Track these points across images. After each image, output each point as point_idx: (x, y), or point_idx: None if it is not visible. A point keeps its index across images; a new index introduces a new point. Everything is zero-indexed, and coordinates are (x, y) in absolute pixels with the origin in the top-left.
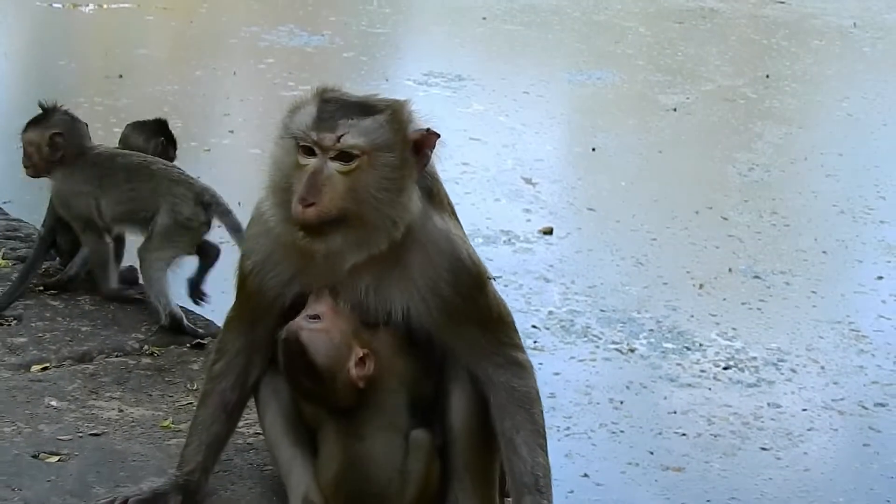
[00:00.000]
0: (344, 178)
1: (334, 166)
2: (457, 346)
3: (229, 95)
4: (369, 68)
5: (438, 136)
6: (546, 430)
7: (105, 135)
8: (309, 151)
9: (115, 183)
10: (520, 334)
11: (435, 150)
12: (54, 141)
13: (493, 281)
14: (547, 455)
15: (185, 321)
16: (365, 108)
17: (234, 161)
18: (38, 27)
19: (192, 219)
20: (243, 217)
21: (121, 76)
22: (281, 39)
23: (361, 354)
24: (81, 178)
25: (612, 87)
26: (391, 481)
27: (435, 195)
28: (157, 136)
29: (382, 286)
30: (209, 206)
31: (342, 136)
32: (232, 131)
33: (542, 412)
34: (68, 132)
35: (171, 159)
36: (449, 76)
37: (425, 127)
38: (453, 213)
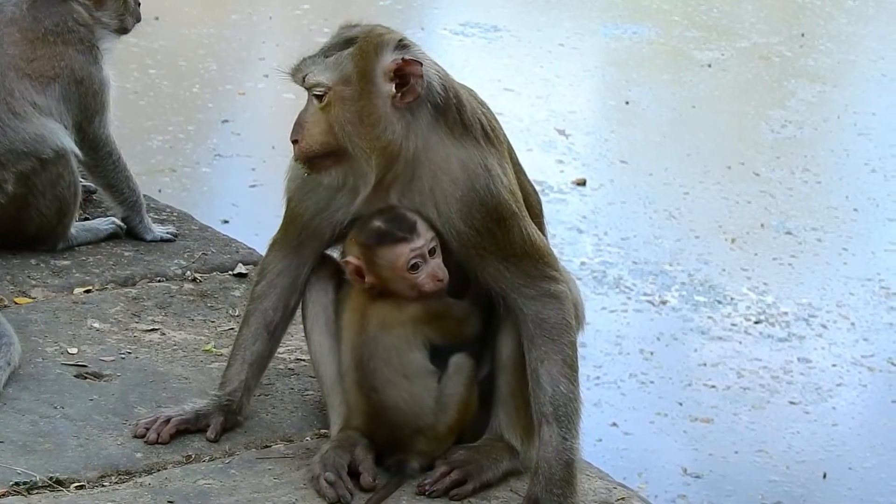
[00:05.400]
0: (322, 115)
1: (315, 104)
2: (485, 277)
3: (265, 40)
4: (405, 17)
5: (420, 63)
6: (576, 361)
7: (140, 76)
8: None
9: None
10: (556, 262)
11: (425, 78)
12: None
13: (519, 214)
14: (573, 384)
15: None
16: (339, 44)
17: (269, 105)
18: None
19: None
20: (280, 161)
21: (157, 18)
22: None
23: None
24: None
25: (647, 42)
26: (420, 418)
27: (458, 123)
28: None
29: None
30: None
31: (306, 75)
32: (267, 76)
33: (572, 342)
34: None
35: None
36: (485, 26)
37: (400, 56)
38: (490, 140)
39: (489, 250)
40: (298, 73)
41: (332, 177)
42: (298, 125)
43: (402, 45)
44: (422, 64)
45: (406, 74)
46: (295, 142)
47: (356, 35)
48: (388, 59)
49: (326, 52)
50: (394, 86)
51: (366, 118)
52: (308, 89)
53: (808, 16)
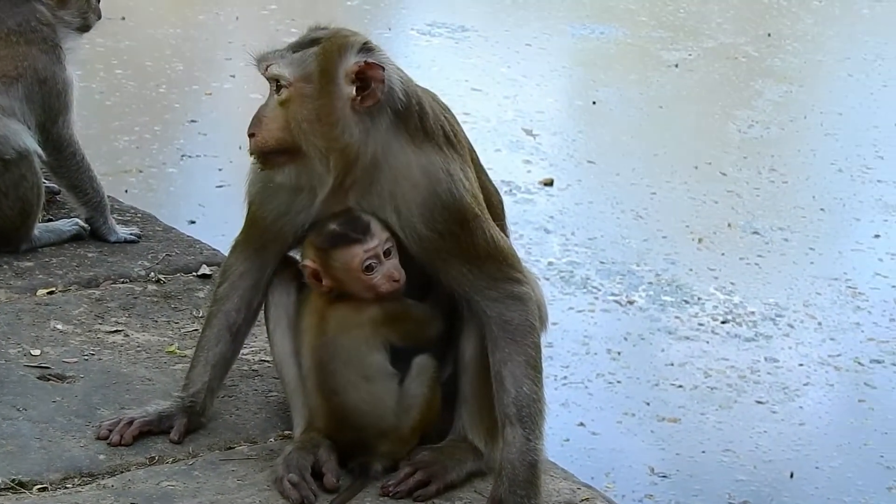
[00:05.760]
0: (281, 110)
1: (274, 98)
2: (448, 280)
3: (231, 40)
4: (373, 17)
5: (382, 67)
6: (540, 362)
7: (106, 76)
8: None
9: None
10: (519, 264)
11: (386, 82)
12: None
13: (482, 217)
14: (537, 386)
15: None
16: (306, 42)
17: (235, 105)
18: None
19: None
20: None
21: (123, 18)
22: None
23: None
24: None
25: (614, 42)
26: (382, 420)
27: (419, 128)
28: None
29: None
30: None
31: (269, 66)
32: (233, 76)
33: (536, 344)
34: None
35: None
36: (452, 27)
37: (363, 59)
38: (451, 145)
39: (452, 253)
40: (263, 62)
41: (286, 175)
42: (256, 119)
43: (366, 48)
44: (384, 68)
45: (367, 78)
46: (252, 135)
47: (323, 36)
48: (351, 61)
49: (294, 48)
50: (354, 88)
51: (324, 118)
52: (269, 79)
53: (774, 16)
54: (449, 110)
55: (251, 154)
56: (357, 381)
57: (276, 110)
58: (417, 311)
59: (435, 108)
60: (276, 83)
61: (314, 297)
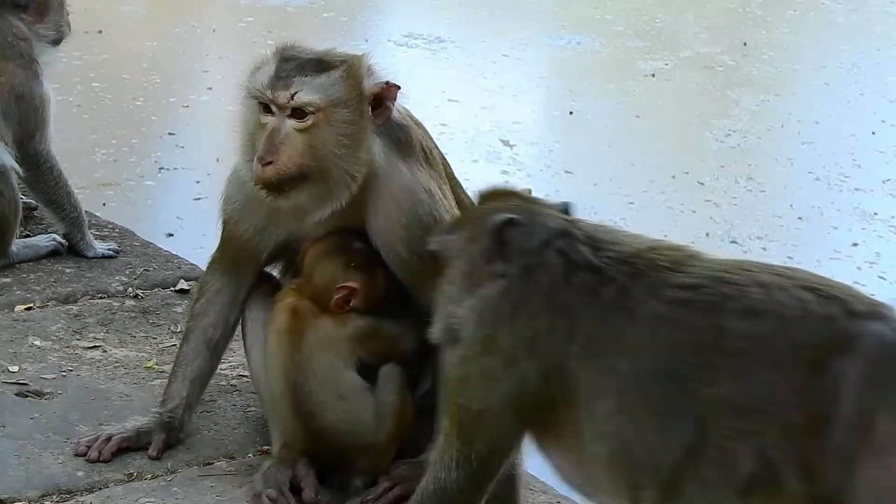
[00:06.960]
0: (301, 136)
1: (291, 124)
2: (426, 301)
3: (208, 53)
4: (349, 28)
5: (398, 87)
6: None
7: (84, 89)
8: (268, 110)
9: None
10: None
11: (397, 102)
12: None
13: None
14: None
15: None
16: (320, 64)
17: (212, 118)
18: None
19: None
20: (224, 173)
21: (100, 31)
22: None
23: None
24: None
25: (590, 52)
26: (361, 436)
27: (405, 145)
28: None
29: None
30: None
31: (295, 93)
32: (210, 88)
33: None
34: None
35: None
36: (429, 38)
37: (384, 80)
38: (429, 162)
39: (431, 274)
40: (284, 91)
41: (298, 199)
42: (272, 146)
43: (371, 68)
44: (399, 87)
45: (382, 97)
46: (269, 163)
47: (329, 57)
48: (371, 83)
49: (309, 72)
50: (370, 108)
51: (354, 140)
52: (284, 107)
53: (749, 25)
54: (422, 126)
55: (261, 182)
56: (333, 400)
57: (294, 136)
58: (390, 329)
59: (412, 125)
60: (294, 109)
61: (286, 317)
